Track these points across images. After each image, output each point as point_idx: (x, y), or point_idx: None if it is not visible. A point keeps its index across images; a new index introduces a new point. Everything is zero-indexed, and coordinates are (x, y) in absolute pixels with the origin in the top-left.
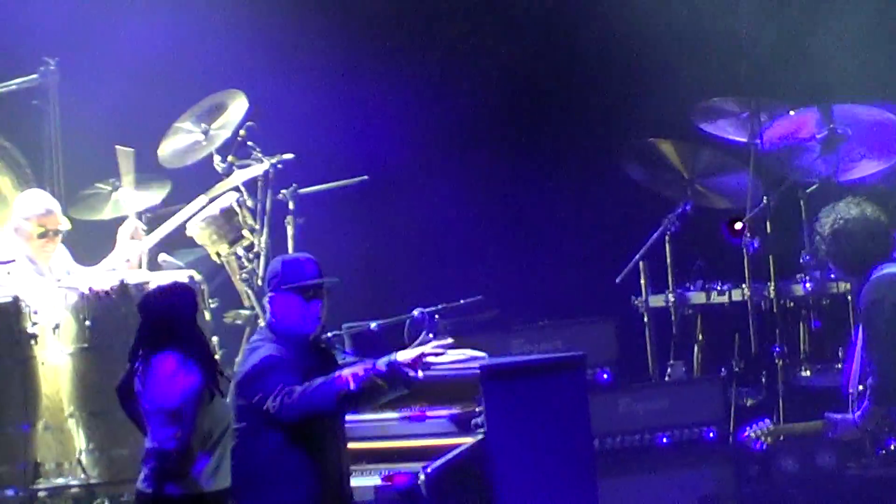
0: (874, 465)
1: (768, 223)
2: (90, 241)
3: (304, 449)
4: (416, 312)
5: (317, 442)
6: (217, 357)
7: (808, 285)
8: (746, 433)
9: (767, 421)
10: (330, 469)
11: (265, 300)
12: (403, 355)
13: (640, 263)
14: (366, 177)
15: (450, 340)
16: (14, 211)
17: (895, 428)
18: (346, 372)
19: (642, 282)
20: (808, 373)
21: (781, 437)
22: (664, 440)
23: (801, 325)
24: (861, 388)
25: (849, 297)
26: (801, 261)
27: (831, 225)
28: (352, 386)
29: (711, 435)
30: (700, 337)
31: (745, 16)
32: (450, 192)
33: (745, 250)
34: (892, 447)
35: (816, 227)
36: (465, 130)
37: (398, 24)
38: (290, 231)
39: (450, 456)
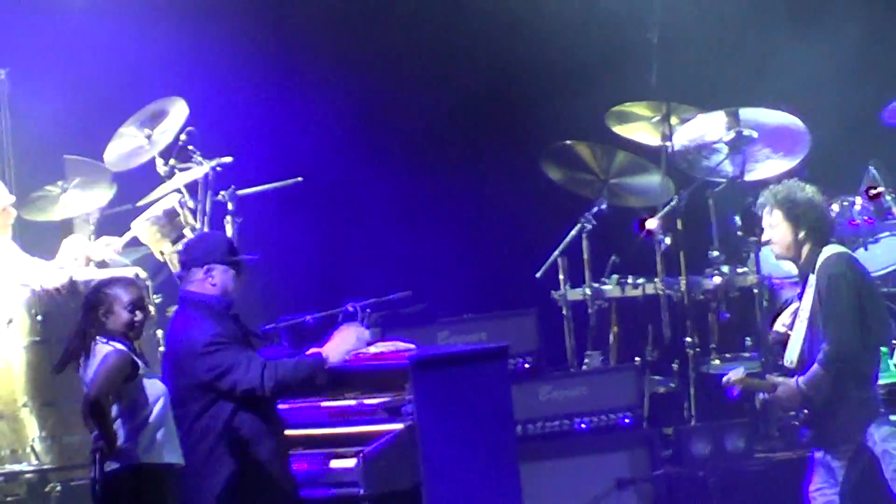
0: (780, 448)
1: (679, 221)
2: (39, 241)
3: (258, 418)
4: (349, 307)
5: (268, 412)
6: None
7: (716, 279)
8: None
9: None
10: (279, 436)
11: (198, 273)
12: (334, 352)
13: (559, 259)
14: (300, 178)
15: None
16: None
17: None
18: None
19: (561, 277)
20: (718, 361)
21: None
22: (582, 426)
23: (709, 316)
24: (796, 359)
25: (755, 291)
26: (710, 255)
27: (803, 193)
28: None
29: (627, 420)
30: (615, 328)
31: (656, 26)
32: (380, 193)
33: (657, 246)
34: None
35: (772, 199)
36: (394, 135)
37: (329, 32)
38: (229, 230)
39: (382, 441)
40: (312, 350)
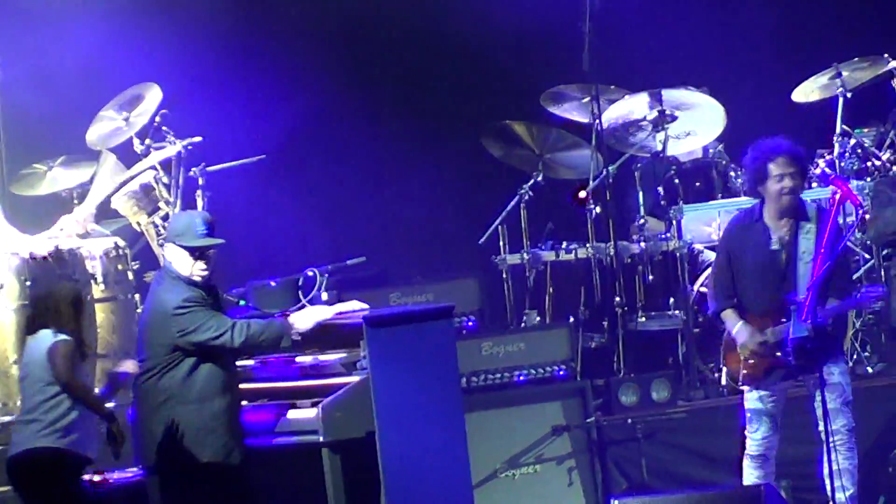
0: (700, 397)
1: (608, 192)
2: (29, 214)
3: (213, 378)
4: (309, 272)
5: (224, 371)
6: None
7: (642, 244)
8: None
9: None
10: (232, 393)
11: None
12: (301, 322)
13: (500, 227)
14: (264, 156)
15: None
16: None
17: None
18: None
19: (501, 243)
20: (644, 319)
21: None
22: (521, 378)
23: (636, 278)
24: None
25: (677, 255)
26: (636, 223)
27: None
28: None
29: (562, 373)
30: (551, 290)
31: (586, 13)
32: (337, 168)
33: (588, 215)
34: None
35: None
36: (350, 116)
37: (284, 26)
38: (199, 203)
39: (340, 392)
40: (281, 315)
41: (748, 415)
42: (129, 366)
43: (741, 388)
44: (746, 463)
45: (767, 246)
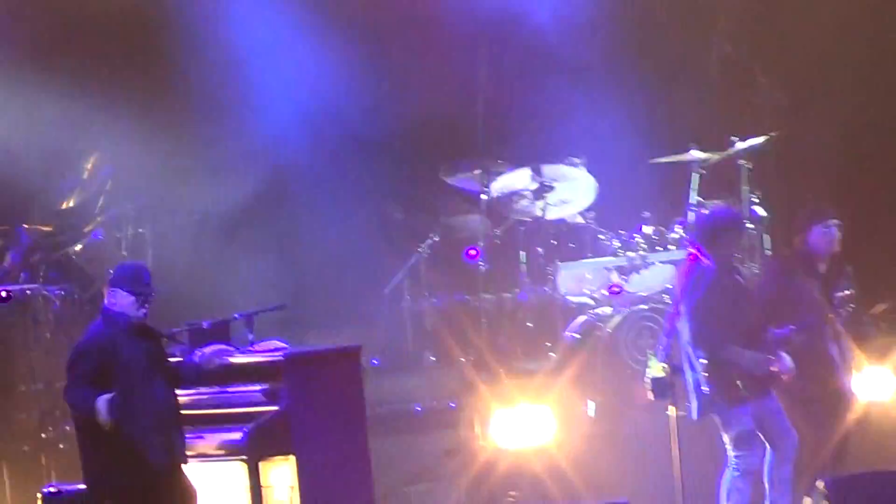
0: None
1: (495, 250)
2: None
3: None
4: (235, 315)
5: (134, 400)
6: None
7: (527, 295)
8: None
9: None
10: (147, 418)
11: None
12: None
13: (404, 279)
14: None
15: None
16: None
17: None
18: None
19: (406, 292)
20: (525, 360)
21: None
22: (418, 408)
23: (518, 324)
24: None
25: (554, 305)
26: (520, 277)
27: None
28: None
29: (452, 405)
30: (446, 333)
31: (480, 99)
32: (265, 230)
33: (479, 268)
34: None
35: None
36: (274, 184)
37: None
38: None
39: (261, 419)
40: (190, 358)
41: None
42: None
43: None
44: None
45: None
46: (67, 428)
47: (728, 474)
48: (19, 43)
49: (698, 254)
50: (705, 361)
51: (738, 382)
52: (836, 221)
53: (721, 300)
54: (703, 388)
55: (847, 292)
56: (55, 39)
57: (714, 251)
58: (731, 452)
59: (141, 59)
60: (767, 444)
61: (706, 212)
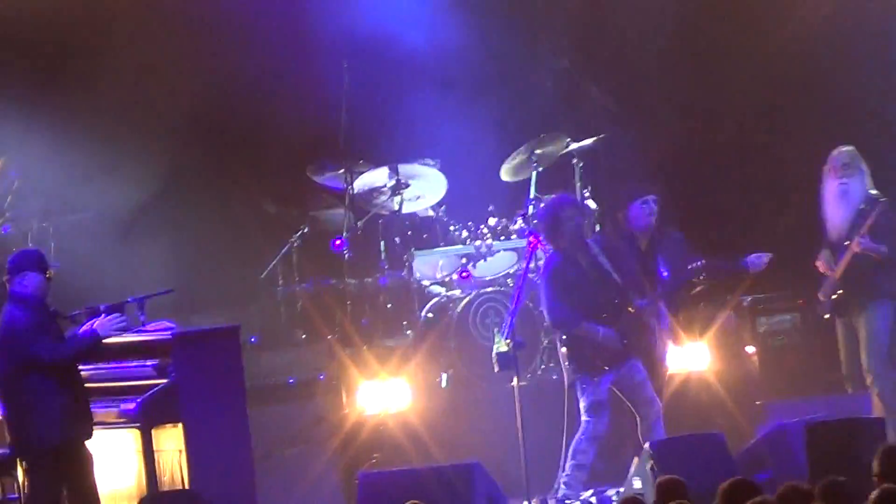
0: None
1: (358, 240)
2: None
3: (49, 381)
4: (129, 298)
5: (60, 376)
6: None
7: (386, 279)
8: None
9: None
10: (72, 392)
11: (18, 277)
12: (103, 328)
13: (278, 266)
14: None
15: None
16: None
17: None
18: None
19: (279, 278)
20: (385, 338)
21: None
22: (291, 381)
23: (379, 306)
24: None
25: (410, 288)
26: (380, 263)
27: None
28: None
29: (321, 377)
30: (316, 313)
31: (343, 101)
32: (154, 221)
33: (344, 256)
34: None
35: None
36: (168, 178)
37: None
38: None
39: (153, 391)
40: (85, 329)
41: None
42: None
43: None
44: None
45: None
46: None
47: (577, 437)
48: None
49: (537, 242)
50: (564, 337)
51: (594, 355)
52: (653, 196)
53: (565, 282)
54: (564, 362)
55: (698, 264)
56: None
57: (558, 237)
58: (584, 418)
59: (46, 67)
60: (634, 412)
61: (543, 203)
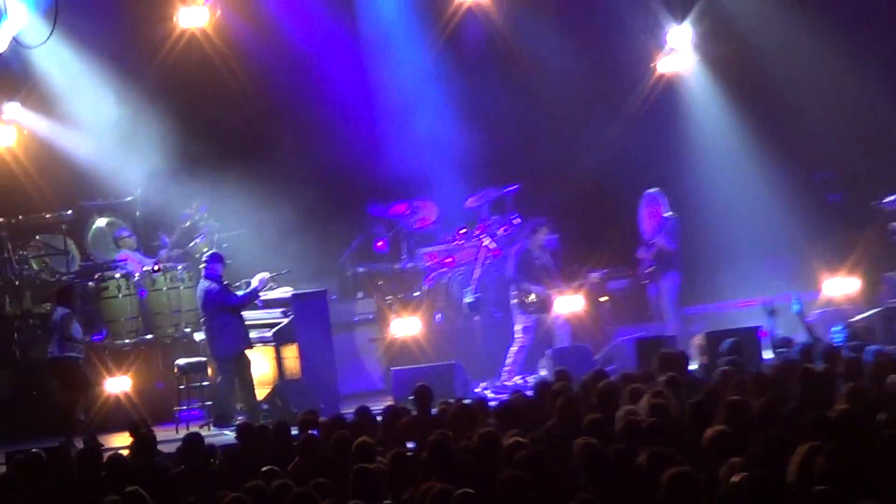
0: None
1: (390, 243)
2: None
3: (235, 316)
4: (266, 274)
5: (240, 315)
6: None
7: (405, 265)
8: None
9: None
10: (243, 323)
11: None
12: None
13: (348, 256)
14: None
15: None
16: None
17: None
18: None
19: (349, 262)
20: (405, 295)
21: None
22: (356, 318)
23: (401, 279)
24: None
25: (419, 269)
26: (401, 258)
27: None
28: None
29: (371, 316)
30: (368, 283)
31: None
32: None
33: (383, 252)
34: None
35: None
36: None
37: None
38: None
39: (280, 325)
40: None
41: None
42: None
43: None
44: None
45: None
46: None
47: (513, 348)
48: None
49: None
50: (515, 291)
51: (530, 300)
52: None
53: (524, 264)
54: (512, 301)
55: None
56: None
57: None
58: (517, 335)
59: (233, 143)
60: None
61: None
